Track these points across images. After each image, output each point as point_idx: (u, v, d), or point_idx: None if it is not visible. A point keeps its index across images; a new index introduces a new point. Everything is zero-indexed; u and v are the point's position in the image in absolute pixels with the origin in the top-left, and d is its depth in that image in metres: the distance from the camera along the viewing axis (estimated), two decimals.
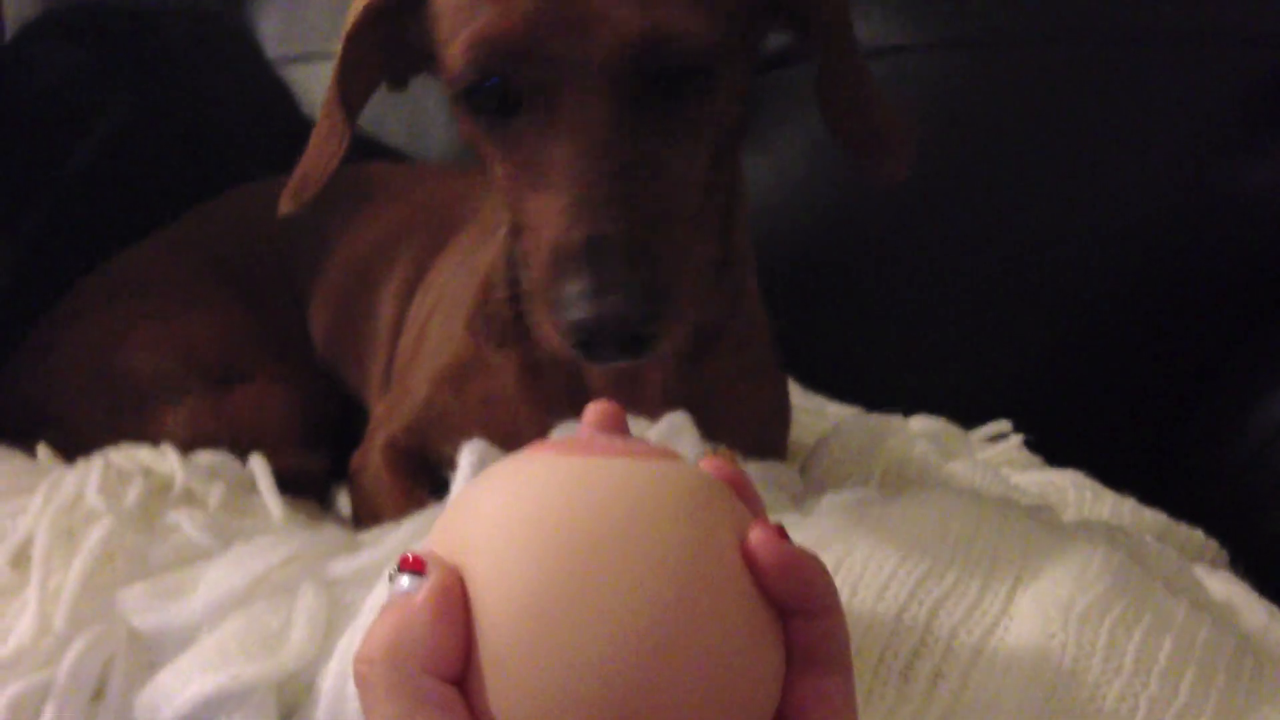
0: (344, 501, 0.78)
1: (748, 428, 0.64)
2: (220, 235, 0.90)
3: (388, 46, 0.58)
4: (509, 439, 0.55)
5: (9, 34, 0.99)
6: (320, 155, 0.60)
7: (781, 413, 0.70)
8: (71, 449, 0.76)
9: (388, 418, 0.73)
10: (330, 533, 0.61)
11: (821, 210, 0.99)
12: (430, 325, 0.75)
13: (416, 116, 1.05)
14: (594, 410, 0.38)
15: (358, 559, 0.56)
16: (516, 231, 0.55)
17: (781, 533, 0.33)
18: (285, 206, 0.61)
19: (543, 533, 0.30)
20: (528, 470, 0.32)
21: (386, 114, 1.04)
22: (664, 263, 0.49)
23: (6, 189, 0.90)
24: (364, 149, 1.04)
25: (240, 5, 1.11)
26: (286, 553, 0.57)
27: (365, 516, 0.69)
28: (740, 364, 0.66)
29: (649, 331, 0.47)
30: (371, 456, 0.71)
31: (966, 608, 0.44)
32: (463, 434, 0.57)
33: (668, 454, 0.34)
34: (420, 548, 0.32)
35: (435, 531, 0.33)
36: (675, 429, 0.54)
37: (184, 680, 0.50)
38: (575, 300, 0.47)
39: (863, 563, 0.45)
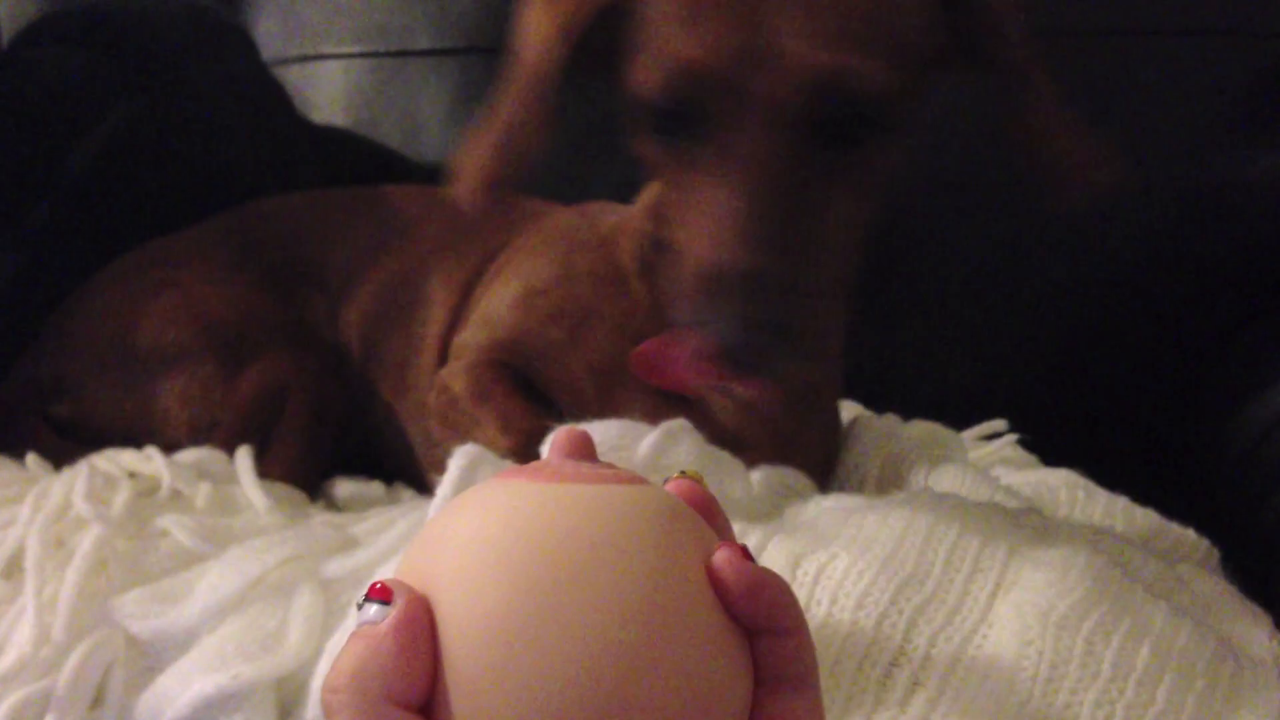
0: (342, 488, 0.78)
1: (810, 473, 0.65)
2: (253, 228, 0.91)
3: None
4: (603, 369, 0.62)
5: (6, 37, 0.99)
6: (517, 143, 0.60)
7: (832, 462, 0.71)
8: (86, 422, 0.77)
9: (471, 344, 0.73)
10: (323, 531, 0.62)
11: None
12: (516, 264, 0.77)
13: (411, 117, 1.06)
14: (562, 437, 0.38)
15: (353, 559, 0.57)
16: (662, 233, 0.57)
17: (746, 553, 0.33)
18: (478, 197, 0.61)
19: (508, 558, 0.31)
20: (495, 497, 0.33)
21: (381, 115, 1.04)
22: (810, 305, 0.50)
23: (7, 191, 0.91)
24: (358, 149, 1.05)
25: (237, 6, 1.12)
26: (282, 554, 0.57)
27: (452, 438, 0.67)
28: (816, 414, 0.69)
29: (784, 367, 0.49)
30: (458, 378, 0.71)
31: (945, 615, 0.44)
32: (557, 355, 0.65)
33: (634, 478, 0.35)
34: (388, 576, 0.33)
35: (404, 560, 0.34)
36: (673, 434, 0.55)
37: (184, 682, 0.51)
38: (727, 325, 0.48)
39: (843, 571, 0.46)
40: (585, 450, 0.38)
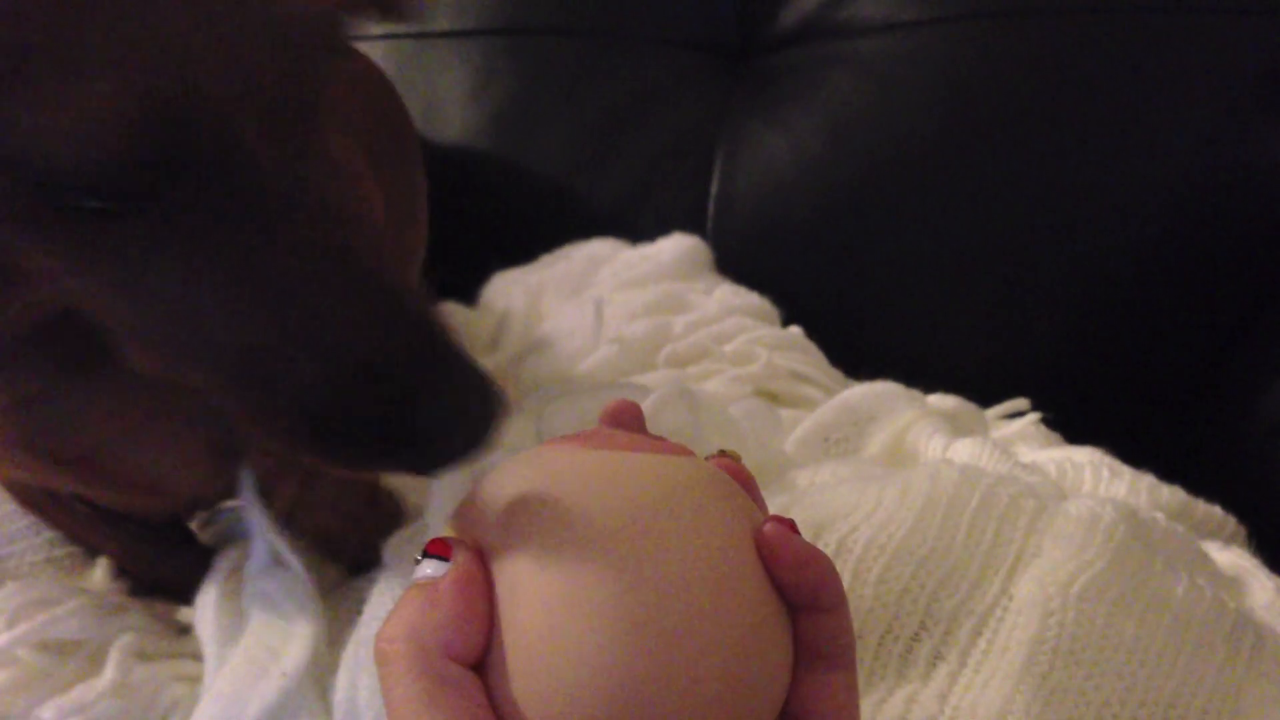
0: None
1: None
2: None
3: None
4: None
5: None
6: None
7: None
8: None
9: None
10: None
11: (838, 187, 0.98)
12: None
13: (431, 98, 1.06)
14: (613, 406, 0.38)
15: None
16: None
17: (793, 527, 0.33)
18: None
19: (566, 521, 0.31)
20: (551, 461, 0.33)
21: (402, 95, 1.05)
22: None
23: None
24: None
25: None
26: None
27: None
28: None
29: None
30: None
31: (967, 588, 0.44)
32: None
33: (683, 449, 0.35)
34: (446, 532, 0.33)
35: (458, 516, 0.34)
36: (666, 400, 0.55)
37: (239, 703, 0.48)
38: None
39: (865, 545, 0.46)
40: (635, 421, 0.38)
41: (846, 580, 0.45)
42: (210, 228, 0.33)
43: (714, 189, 1.02)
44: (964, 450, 0.59)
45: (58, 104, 0.30)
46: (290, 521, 0.55)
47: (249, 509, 0.54)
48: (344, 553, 0.58)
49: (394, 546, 0.54)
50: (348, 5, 0.38)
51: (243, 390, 0.35)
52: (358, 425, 0.34)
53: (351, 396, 0.34)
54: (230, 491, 0.56)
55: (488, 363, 0.81)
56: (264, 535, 0.53)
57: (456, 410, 0.34)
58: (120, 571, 0.61)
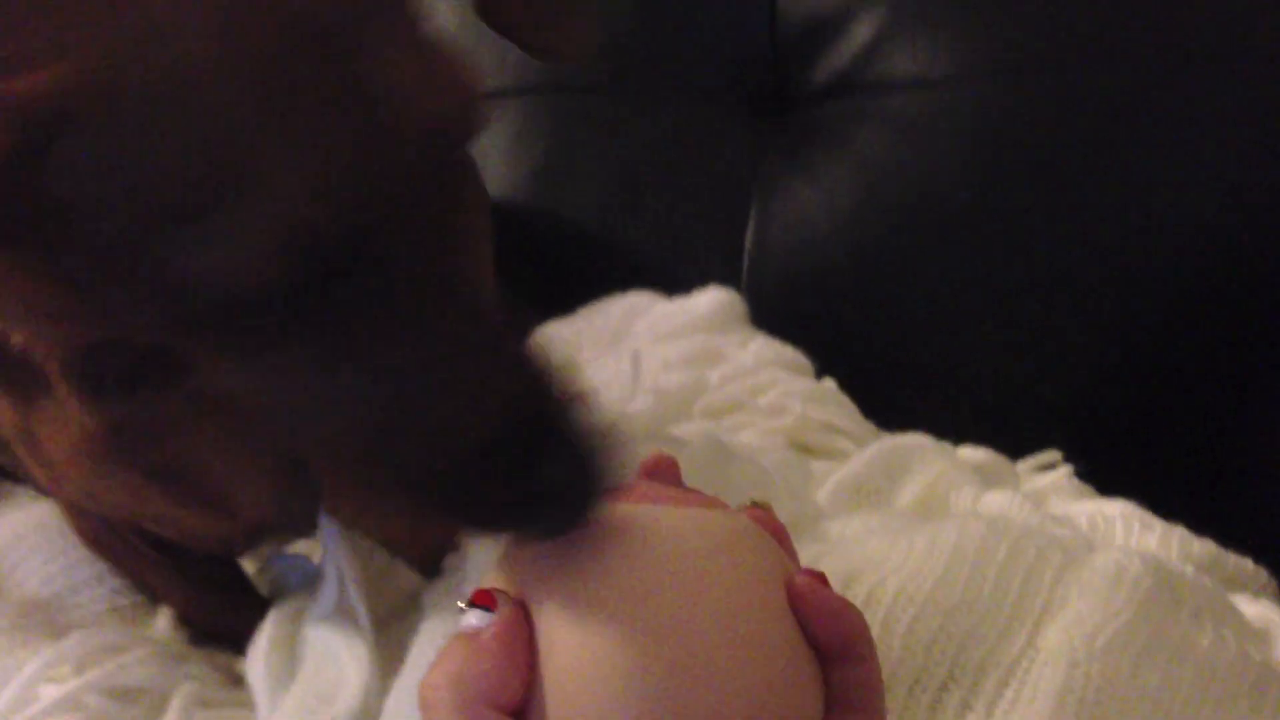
0: None
1: None
2: None
3: None
4: None
5: None
6: None
7: None
8: None
9: None
10: None
11: (871, 239, 1.00)
12: None
13: (473, 152, 1.09)
14: (650, 461, 0.40)
15: None
16: None
17: (824, 579, 0.35)
18: None
19: (605, 575, 0.33)
20: None
21: None
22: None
23: None
24: None
25: None
26: None
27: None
28: None
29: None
30: None
31: (994, 639, 0.45)
32: None
33: (718, 502, 0.37)
34: (489, 583, 0.34)
35: (500, 566, 0.36)
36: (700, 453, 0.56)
37: None
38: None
39: (894, 595, 0.47)
40: (672, 475, 0.40)
41: (876, 630, 0.46)
42: (359, 327, 0.35)
43: (748, 240, 1.04)
44: (993, 502, 0.60)
45: (228, 236, 0.32)
46: (358, 527, 0.57)
47: (326, 532, 0.56)
48: (411, 558, 0.60)
49: (435, 596, 0.56)
50: (479, 94, 0.40)
51: (368, 466, 0.37)
52: (482, 494, 0.35)
53: (478, 469, 0.35)
54: (295, 518, 0.58)
55: None
56: (336, 561, 0.55)
57: (575, 473, 0.34)
58: (182, 621, 0.63)
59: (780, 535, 0.38)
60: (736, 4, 1.08)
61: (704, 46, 1.08)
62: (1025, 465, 0.81)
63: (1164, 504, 0.73)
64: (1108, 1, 0.97)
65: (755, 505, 0.39)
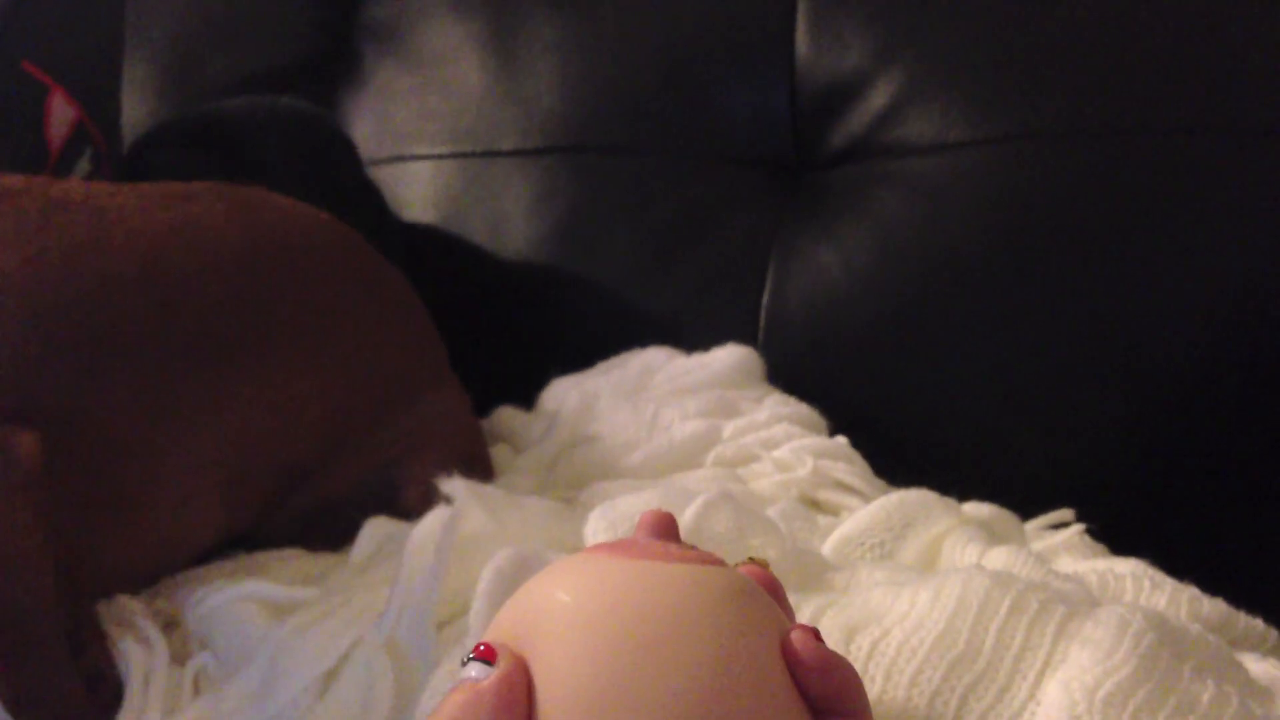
0: None
1: None
2: None
3: None
4: None
5: (128, 140, 1.07)
6: None
7: None
8: None
9: None
10: None
11: (888, 302, 1.01)
12: None
13: (495, 214, 1.11)
14: (649, 517, 0.41)
15: None
16: None
17: (818, 635, 0.36)
18: None
19: (601, 631, 0.33)
20: (589, 570, 0.36)
21: (468, 213, 1.10)
22: None
23: None
24: (444, 245, 1.10)
25: (338, 110, 1.19)
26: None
27: None
28: None
29: None
30: None
31: (995, 693, 0.45)
32: None
33: (714, 559, 0.38)
34: (491, 636, 0.35)
35: (502, 620, 0.37)
36: (713, 504, 0.57)
37: None
38: None
39: (896, 648, 0.47)
40: (671, 531, 0.41)
41: (879, 682, 0.46)
42: None
43: (765, 301, 1.05)
44: (998, 558, 0.61)
45: None
46: None
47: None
48: None
49: (442, 650, 0.57)
50: None
51: None
52: None
53: None
54: None
55: (535, 455, 0.84)
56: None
57: None
58: None
59: (775, 590, 0.39)
60: (756, 68, 1.10)
61: (723, 109, 1.10)
62: (1036, 523, 0.81)
63: (1178, 568, 0.73)
64: (1131, 71, 0.98)
65: (752, 561, 0.40)
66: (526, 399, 1.00)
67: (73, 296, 0.63)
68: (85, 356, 0.63)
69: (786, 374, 0.99)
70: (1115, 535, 0.82)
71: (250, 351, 0.69)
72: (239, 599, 0.62)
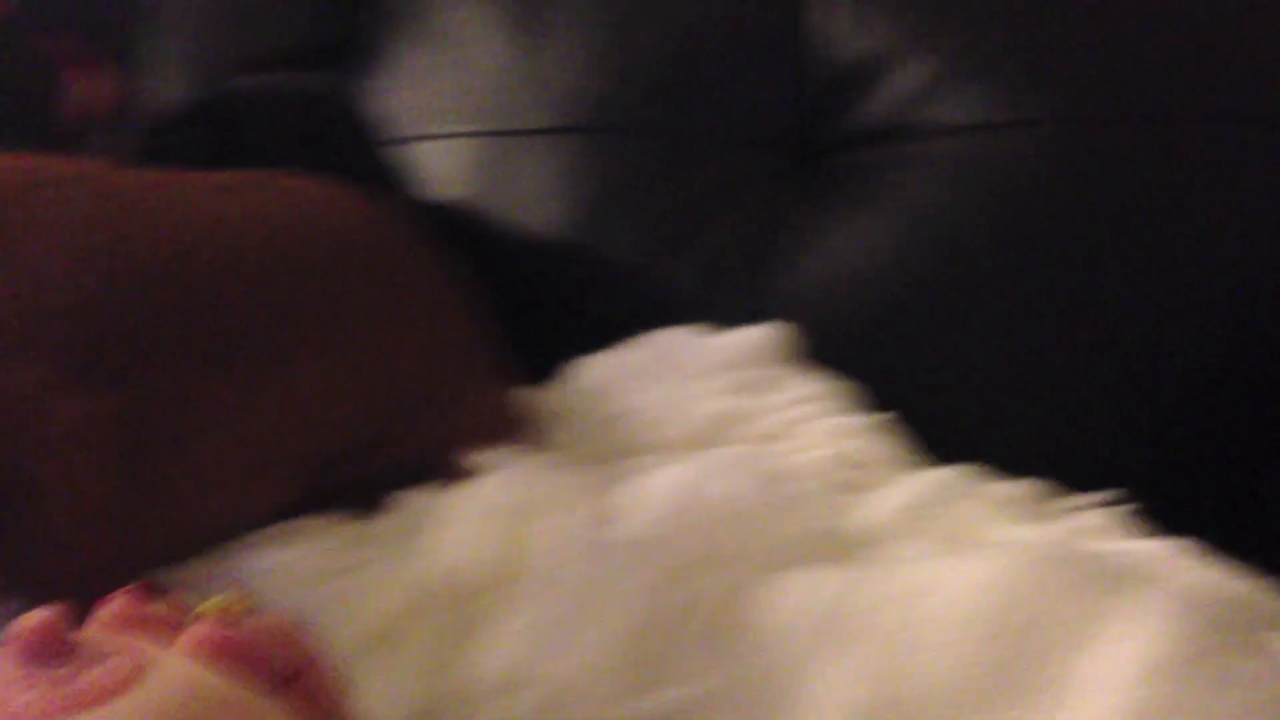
0: None
1: None
2: None
3: None
4: None
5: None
6: None
7: None
8: None
9: None
10: None
11: (904, 288, 0.99)
12: None
13: (517, 193, 1.10)
14: (25, 633, 0.32)
15: None
16: None
17: (231, 620, 0.34)
18: None
19: None
20: None
21: (490, 191, 1.09)
22: None
23: None
24: (462, 224, 1.09)
25: (363, 90, 1.19)
26: None
27: None
28: None
29: None
30: None
31: (1036, 665, 0.45)
32: None
33: (118, 689, 0.30)
34: None
35: None
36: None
37: None
38: None
39: (935, 619, 0.47)
40: (53, 642, 0.31)
41: (915, 651, 0.46)
42: None
43: (777, 287, 1.04)
44: (1034, 533, 0.60)
45: None
46: None
47: None
48: None
49: None
50: None
51: None
52: None
53: None
54: None
55: (562, 433, 0.83)
56: None
57: None
58: None
59: (251, 652, 0.32)
60: (773, 50, 1.09)
61: (731, 90, 1.09)
62: (1074, 501, 0.80)
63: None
64: (1177, 57, 0.97)
65: (202, 616, 0.34)
66: (544, 378, 0.99)
67: (115, 290, 0.64)
68: (127, 350, 0.64)
69: (800, 357, 0.98)
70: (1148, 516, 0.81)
71: (286, 346, 0.70)
72: (285, 563, 0.62)
